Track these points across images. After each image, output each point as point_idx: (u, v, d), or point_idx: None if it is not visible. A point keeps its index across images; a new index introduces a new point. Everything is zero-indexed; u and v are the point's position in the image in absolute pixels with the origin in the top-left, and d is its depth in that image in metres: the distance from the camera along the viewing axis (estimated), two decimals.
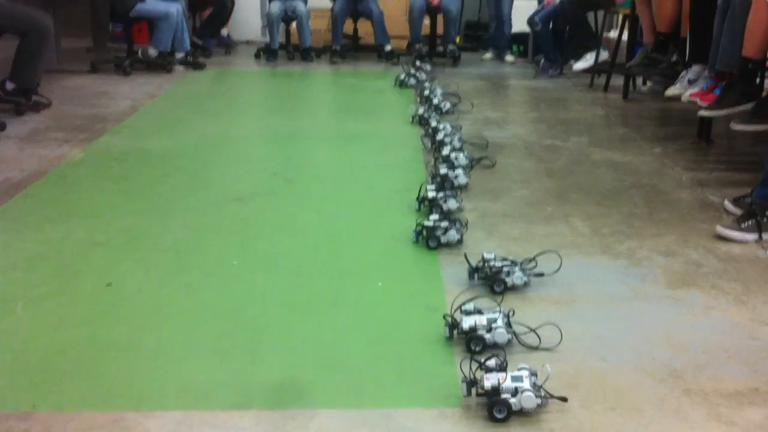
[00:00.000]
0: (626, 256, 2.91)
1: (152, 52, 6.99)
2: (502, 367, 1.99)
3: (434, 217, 3.05)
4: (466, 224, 3.06)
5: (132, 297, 2.56)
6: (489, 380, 1.93)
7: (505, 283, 2.58)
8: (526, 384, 1.91)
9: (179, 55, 7.08)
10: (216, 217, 3.31)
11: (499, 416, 1.88)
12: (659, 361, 2.18)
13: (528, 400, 1.88)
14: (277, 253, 2.94)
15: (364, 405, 1.96)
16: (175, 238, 3.07)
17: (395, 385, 2.06)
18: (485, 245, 2.97)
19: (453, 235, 2.97)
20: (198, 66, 7.14)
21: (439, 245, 2.96)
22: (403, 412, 1.93)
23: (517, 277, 2.60)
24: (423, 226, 2.99)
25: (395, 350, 2.24)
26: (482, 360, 2.01)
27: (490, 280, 2.60)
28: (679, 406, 1.96)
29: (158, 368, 2.13)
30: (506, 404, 1.88)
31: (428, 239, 2.96)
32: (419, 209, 3.34)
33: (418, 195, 3.39)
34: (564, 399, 1.95)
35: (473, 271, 2.66)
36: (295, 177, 3.92)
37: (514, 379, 1.92)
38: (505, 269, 2.61)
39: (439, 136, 4.28)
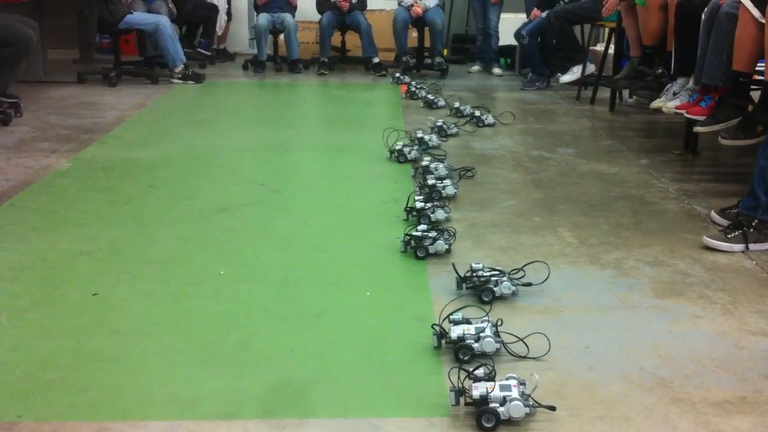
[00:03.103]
0: (614, 266, 2.92)
1: (179, 69, 6.96)
2: (490, 377, 1.99)
3: (422, 227, 3.05)
4: (454, 234, 3.06)
5: (118, 307, 2.54)
6: (477, 389, 1.92)
7: (493, 292, 2.58)
8: (514, 393, 1.90)
9: (178, 69, 7.02)
10: (202, 227, 3.30)
11: (487, 425, 1.87)
12: (647, 370, 2.18)
13: (516, 409, 1.88)
14: (263, 264, 2.93)
15: (351, 414, 1.95)
16: (161, 248, 3.06)
17: (383, 394, 2.05)
18: (473, 255, 2.97)
19: (441, 245, 2.96)
20: (198, 78, 7.09)
21: (427, 255, 2.95)
22: (391, 421, 1.92)
23: (505, 287, 2.60)
24: (411, 236, 2.99)
25: (383, 360, 2.23)
26: (471, 369, 2.00)
27: (478, 290, 2.60)
28: (667, 415, 1.96)
29: (144, 378, 2.11)
30: (495, 413, 1.87)
31: (416, 249, 2.96)
32: (407, 219, 3.34)
33: (406, 205, 3.39)
34: (552, 408, 1.94)
35: (461, 280, 2.66)
36: (283, 187, 3.91)
37: (503, 388, 1.92)
38: (493, 279, 2.61)
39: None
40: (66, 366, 2.16)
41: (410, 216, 3.35)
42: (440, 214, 3.29)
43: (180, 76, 6.99)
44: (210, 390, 2.05)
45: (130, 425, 1.89)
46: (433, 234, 2.99)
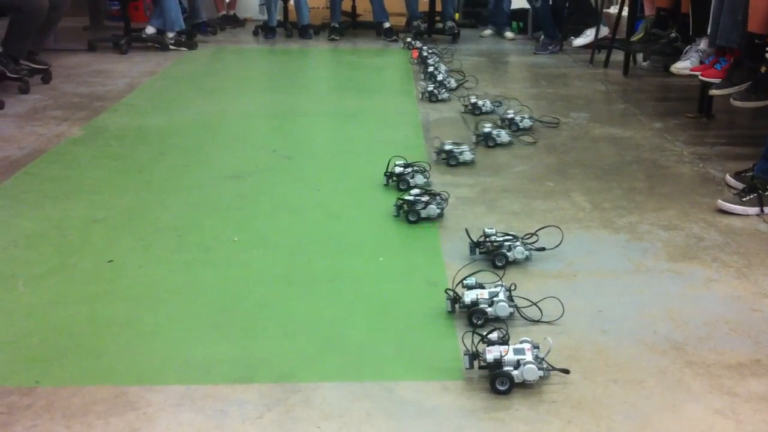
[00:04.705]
0: (627, 230, 2.91)
1: (172, 35, 6.91)
2: (504, 340, 1.99)
3: (415, 191, 3.05)
4: (446, 199, 3.05)
5: (132, 274, 2.56)
6: (491, 353, 1.93)
7: (506, 257, 2.58)
8: (528, 356, 1.91)
9: (172, 34, 6.99)
10: (215, 194, 3.30)
11: (501, 388, 1.88)
12: (661, 333, 2.18)
13: (530, 372, 1.88)
14: (275, 230, 2.93)
15: (365, 378, 1.96)
16: (174, 215, 3.07)
17: (397, 358, 2.06)
18: (486, 220, 2.97)
19: (433, 209, 2.96)
20: (191, 46, 7.06)
21: (419, 219, 2.95)
22: (405, 384, 1.93)
23: (518, 252, 2.59)
24: (404, 201, 2.99)
25: (396, 324, 2.24)
26: (484, 333, 2.01)
27: (492, 255, 2.60)
28: (680, 378, 1.96)
29: (159, 344, 2.13)
30: (509, 376, 1.88)
31: (408, 213, 2.96)
32: (387, 185, 3.33)
33: (386, 170, 3.37)
34: (566, 371, 1.95)
35: (474, 245, 2.66)
36: (294, 154, 3.90)
37: (517, 351, 1.92)
38: (507, 244, 2.61)
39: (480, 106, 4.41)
40: (82, 332, 2.18)
41: (390, 181, 3.34)
42: (419, 179, 3.28)
43: (173, 41, 6.94)
44: (225, 355, 2.07)
45: (147, 389, 1.91)
46: (425, 198, 2.99)
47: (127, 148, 3.98)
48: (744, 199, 3.07)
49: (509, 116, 4.28)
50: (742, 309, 2.32)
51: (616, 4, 7.11)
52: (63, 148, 3.94)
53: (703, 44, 4.41)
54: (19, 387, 1.92)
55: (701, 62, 4.39)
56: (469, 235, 2.70)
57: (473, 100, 4.66)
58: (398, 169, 3.34)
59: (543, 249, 2.68)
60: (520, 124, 4.25)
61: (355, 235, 2.90)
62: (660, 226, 2.95)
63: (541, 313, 2.24)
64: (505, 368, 1.89)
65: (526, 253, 2.61)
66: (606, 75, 6.06)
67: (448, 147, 3.67)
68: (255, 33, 7.93)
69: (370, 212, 3.12)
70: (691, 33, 4.57)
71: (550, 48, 7.05)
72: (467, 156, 3.65)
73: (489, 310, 2.20)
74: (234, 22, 8.56)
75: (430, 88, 5.02)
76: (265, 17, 7.86)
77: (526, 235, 2.72)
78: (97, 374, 1.98)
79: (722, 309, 2.32)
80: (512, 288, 2.30)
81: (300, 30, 7.76)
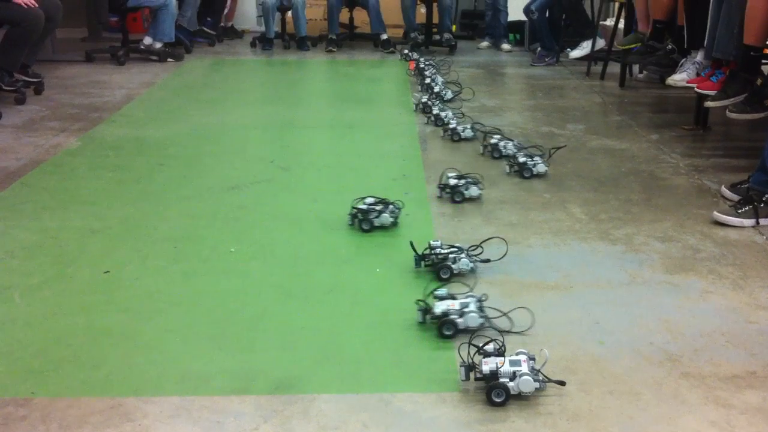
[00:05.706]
0: (624, 242, 2.92)
1: (157, 45, 6.93)
2: (500, 352, 2.00)
3: (369, 200, 3.06)
4: (400, 208, 3.07)
5: (129, 285, 2.56)
6: (487, 364, 1.93)
7: (451, 269, 2.58)
8: (524, 368, 1.91)
9: (158, 45, 6.99)
10: (212, 205, 3.30)
11: (497, 400, 1.88)
12: (657, 345, 2.18)
13: (526, 384, 1.88)
14: (274, 241, 2.93)
15: (362, 390, 1.96)
16: (171, 226, 3.07)
17: (393, 370, 2.06)
18: (482, 232, 2.97)
19: (386, 218, 2.98)
20: (177, 57, 7.07)
21: (373, 228, 2.97)
22: (402, 396, 1.93)
23: (463, 264, 2.59)
24: (358, 209, 3.00)
25: (393, 336, 2.24)
26: (480, 345, 2.01)
27: (437, 267, 2.59)
28: (676, 390, 1.97)
29: (156, 355, 2.13)
30: (504, 388, 1.88)
31: (362, 222, 2.97)
32: (440, 197, 3.33)
33: (440, 182, 3.38)
34: (562, 383, 1.95)
35: (420, 258, 2.65)
36: (292, 165, 3.91)
37: (513, 363, 1.93)
38: (451, 256, 2.60)
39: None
40: (79, 343, 2.18)
41: (444, 193, 3.34)
42: (474, 191, 3.28)
43: (159, 52, 6.96)
44: (222, 366, 2.07)
45: (144, 401, 1.91)
46: (379, 207, 3.00)
47: (124, 159, 3.98)
48: (740, 211, 3.08)
49: (452, 126, 4.35)
50: (738, 321, 2.33)
51: (613, 16, 7.15)
52: (60, 159, 3.94)
53: (699, 56, 4.43)
54: (15, 398, 1.91)
55: (698, 74, 4.41)
56: (413, 248, 2.68)
57: (435, 111, 4.69)
58: (452, 181, 3.33)
59: (488, 260, 2.66)
60: (462, 134, 4.30)
61: (353, 246, 2.90)
62: (656, 238, 2.96)
63: (512, 323, 2.24)
64: (501, 380, 1.89)
65: (471, 264, 2.60)
66: (602, 87, 6.08)
67: (522, 159, 3.69)
68: (252, 44, 7.96)
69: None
70: (686, 45, 4.60)
71: (546, 60, 7.08)
72: (541, 168, 3.67)
73: (459, 321, 2.20)
74: (232, 33, 8.59)
75: (425, 99, 5.03)
76: (263, 29, 7.89)
77: (471, 246, 2.71)
78: (94, 385, 1.98)
79: (718, 321, 2.32)
80: (483, 299, 2.30)
81: (297, 41, 7.78)
